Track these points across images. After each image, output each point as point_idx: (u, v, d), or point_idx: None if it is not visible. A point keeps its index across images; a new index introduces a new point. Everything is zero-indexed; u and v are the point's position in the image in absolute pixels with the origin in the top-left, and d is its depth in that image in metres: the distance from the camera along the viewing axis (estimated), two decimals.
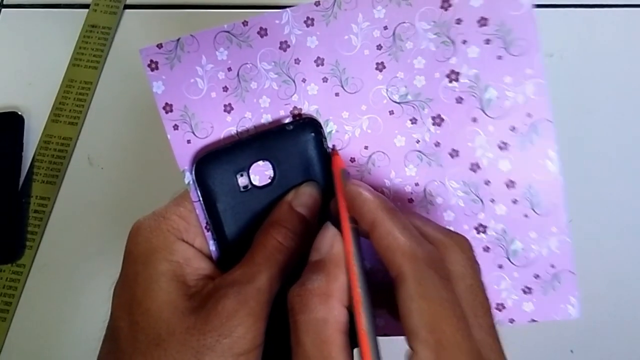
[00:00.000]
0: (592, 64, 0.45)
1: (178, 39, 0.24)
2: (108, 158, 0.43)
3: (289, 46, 0.25)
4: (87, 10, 0.47)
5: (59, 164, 0.43)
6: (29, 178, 0.42)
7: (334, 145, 0.26)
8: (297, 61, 0.25)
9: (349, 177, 0.25)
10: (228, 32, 0.25)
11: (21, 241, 0.41)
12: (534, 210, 0.26)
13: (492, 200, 0.26)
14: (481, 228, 0.27)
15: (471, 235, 0.27)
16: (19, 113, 0.44)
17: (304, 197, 0.25)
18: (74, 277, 0.40)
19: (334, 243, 0.22)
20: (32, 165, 0.43)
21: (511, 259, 0.27)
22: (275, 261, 0.23)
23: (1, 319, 0.39)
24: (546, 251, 0.26)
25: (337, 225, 0.23)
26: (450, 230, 0.24)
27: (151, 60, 0.25)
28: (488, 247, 0.27)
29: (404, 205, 0.27)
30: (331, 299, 0.21)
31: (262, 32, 0.25)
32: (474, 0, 0.25)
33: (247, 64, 0.25)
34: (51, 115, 0.44)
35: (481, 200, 0.26)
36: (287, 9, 0.25)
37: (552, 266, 0.26)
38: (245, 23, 0.25)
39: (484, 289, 0.23)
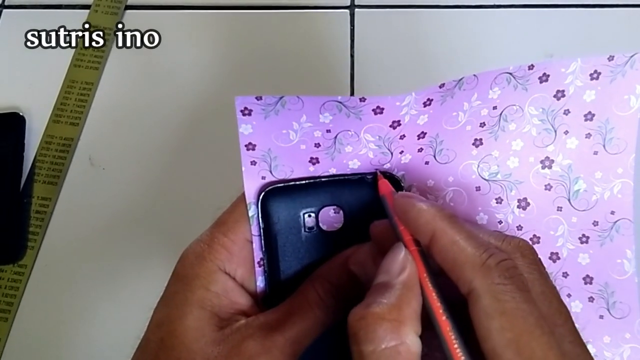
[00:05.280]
0: None
1: (281, 97, 0.22)
2: (109, 158, 0.43)
3: (399, 124, 0.23)
4: (88, 10, 0.47)
5: (60, 165, 0.43)
6: (31, 178, 0.42)
7: (377, 169, 0.25)
8: (402, 137, 0.24)
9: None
10: (340, 102, 0.22)
11: (23, 242, 0.41)
12: (609, 312, 0.25)
13: (569, 295, 0.25)
14: None
15: None
16: (20, 113, 0.44)
17: (364, 257, 0.23)
18: (75, 277, 0.40)
19: (406, 265, 0.20)
20: (33, 166, 0.43)
21: None
22: (311, 315, 0.22)
23: (3, 320, 0.39)
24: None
25: None
26: (506, 235, 0.22)
27: (245, 107, 0.22)
28: None
29: None
30: (403, 326, 0.18)
31: (377, 111, 0.23)
32: (587, 95, 0.24)
33: (349, 131, 0.23)
34: (52, 115, 0.44)
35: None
36: (413, 93, 0.22)
37: None
38: (362, 100, 0.22)
39: (556, 292, 0.21)
